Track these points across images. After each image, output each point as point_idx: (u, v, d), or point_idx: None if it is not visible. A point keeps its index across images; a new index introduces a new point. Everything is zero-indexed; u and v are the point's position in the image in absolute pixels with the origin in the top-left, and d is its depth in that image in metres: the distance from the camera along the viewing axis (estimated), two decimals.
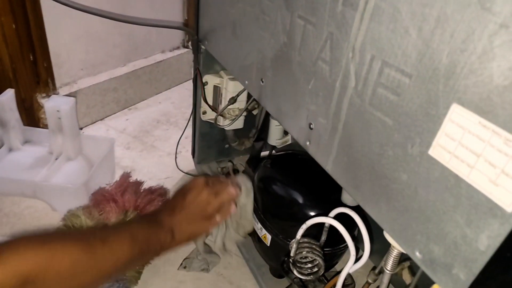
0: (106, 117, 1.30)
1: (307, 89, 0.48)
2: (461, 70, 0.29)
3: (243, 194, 0.65)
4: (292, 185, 0.65)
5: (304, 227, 0.51)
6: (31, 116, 1.09)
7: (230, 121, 0.89)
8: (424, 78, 0.32)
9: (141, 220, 0.51)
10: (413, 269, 0.48)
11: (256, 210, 0.70)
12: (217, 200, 0.57)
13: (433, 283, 0.35)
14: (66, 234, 0.45)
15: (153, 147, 1.17)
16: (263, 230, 0.67)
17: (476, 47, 0.28)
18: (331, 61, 0.43)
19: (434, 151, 0.32)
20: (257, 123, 0.97)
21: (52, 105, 0.90)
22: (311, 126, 0.49)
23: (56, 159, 0.95)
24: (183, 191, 0.57)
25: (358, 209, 0.51)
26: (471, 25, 0.28)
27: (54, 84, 1.11)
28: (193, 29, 0.84)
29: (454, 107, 0.30)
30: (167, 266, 0.80)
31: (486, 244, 0.29)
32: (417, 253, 0.36)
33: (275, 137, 0.91)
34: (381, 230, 0.41)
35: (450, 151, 0.31)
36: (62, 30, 1.09)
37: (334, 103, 0.43)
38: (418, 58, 0.33)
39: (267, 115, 0.90)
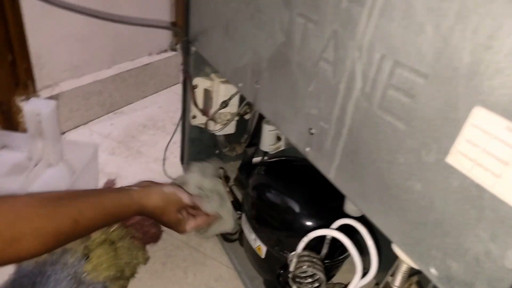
0: (90, 121, 1.24)
1: (308, 91, 0.45)
2: (485, 70, 0.27)
3: (217, 204, 0.73)
4: (288, 194, 0.61)
5: (305, 240, 0.48)
6: (9, 119, 1.03)
7: (221, 126, 0.85)
8: (442, 79, 0.30)
9: (116, 194, 0.54)
10: (422, 284, 0.45)
11: (250, 220, 0.66)
12: (192, 223, 0.67)
13: None
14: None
15: (139, 152, 1.13)
16: (258, 241, 0.64)
17: (503, 44, 0.25)
18: (334, 62, 0.40)
19: (453, 159, 0.30)
20: (249, 128, 0.94)
21: (32, 108, 0.85)
22: (312, 131, 0.45)
23: (36, 165, 0.90)
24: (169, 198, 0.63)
25: (361, 219, 0.48)
26: (498, 19, 0.25)
27: (34, 87, 1.06)
28: (182, 30, 0.80)
29: (477, 110, 0.27)
30: (155, 280, 0.75)
31: None
32: (432, 270, 0.33)
33: (268, 143, 0.87)
34: (384, 243, 0.38)
35: (472, 159, 0.28)
36: (44, 30, 1.04)
37: (338, 107, 0.40)
38: (435, 57, 0.30)
39: (260, 119, 0.87)
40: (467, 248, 0.30)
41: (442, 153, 0.30)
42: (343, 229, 0.50)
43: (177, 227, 0.66)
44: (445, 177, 0.30)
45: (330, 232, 0.47)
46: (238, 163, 0.97)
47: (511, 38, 0.25)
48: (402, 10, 0.32)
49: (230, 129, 0.88)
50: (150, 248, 0.80)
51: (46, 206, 0.42)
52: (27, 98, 1.03)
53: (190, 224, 0.66)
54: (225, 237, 0.82)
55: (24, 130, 1.02)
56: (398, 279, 0.40)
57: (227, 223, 0.75)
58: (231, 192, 0.91)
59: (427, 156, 0.32)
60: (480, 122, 0.27)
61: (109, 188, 0.51)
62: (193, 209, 0.70)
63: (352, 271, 0.47)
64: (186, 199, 0.66)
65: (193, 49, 0.79)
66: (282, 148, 0.89)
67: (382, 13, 0.34)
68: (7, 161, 0.93)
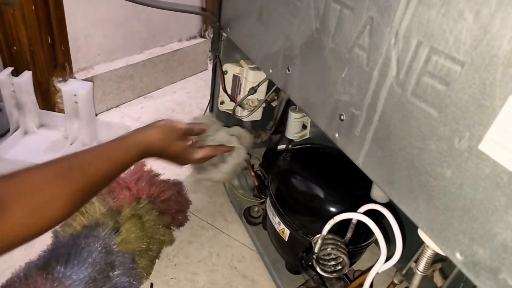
0: (121, 104, 1.29)
1: (340, 77, 0.45)
2: None
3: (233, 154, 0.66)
4: (313, 179, 0.63)
5: (331, 222, 0.49)
6: (47, 99, 1.09)
7: (249, 112, 0.87)
8: (479, 66, 0.30)
9: (118, 143, 0.52)
10: (445, 271, 0.45)
11: (274, 204, 0.68)
12: (200, 153, 0.61)
13: (469, 287, 0.33)
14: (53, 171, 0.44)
15: None
16: (281, 224, 0.66)
17: None
18: (369, 48, 0.40)
19: (486, 146, 0.30)
20: (275, 115, 0.95)
21: (70, 89, 0.89)
22: (342, 117, 0.46)
23: (71, 144, 0.95)
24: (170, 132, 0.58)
25: (387, 206, 0.49)
26: None
27: (71, 69, 1.11)
28: (215, 16, 0.82)
29: None
30: (181, 257, 0.79)
31: None
32: (458, 255, 0.34)
33: (293, 131, 0.88)
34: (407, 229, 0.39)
35: (505, 147, 0.29)
36: (81, 14, 1.08)
37: (370, 93, 0.41)
38: (474, 45, 0.30)
39: (286, 107, 0.88)
40: (494, 234, 0.30)
41: (474, 140, 0.31)
42: (369, 215, 0.50)
43: (185, 156, 0.61)
44: (476, 164, 0.31)
45: (357, 216, 0.48)
46: (263, 150, 0.99)
47: None
48: None
49: (257, 115, 0.90)
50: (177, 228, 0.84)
51: (60, 172, 0.43)
52: (64, 80, 1.08)
53: (198, 153, 0.62)
54: (249, 220, 0.84)
55: (61, 110, 1.08)
56: (422, 265, 0.41)
57: (241, 153, 0.68)
58: (256, 176, 0.93)
59: (459, 143, 0.32)
60: None
61: (108, 141, 0.51)
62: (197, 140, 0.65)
63: (372, 260, 0.48)
64: (183, 124, 0.60)
65: (224, 35, 0.81)
66: (307, 136, 0.90)
67: (421, 0, 0.34)
68: (45, 139, 0.99)
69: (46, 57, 1.03)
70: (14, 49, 0.97)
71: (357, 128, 0.44)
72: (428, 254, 0.40)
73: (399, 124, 0.38)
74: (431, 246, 0.38)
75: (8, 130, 0.98)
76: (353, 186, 0.59)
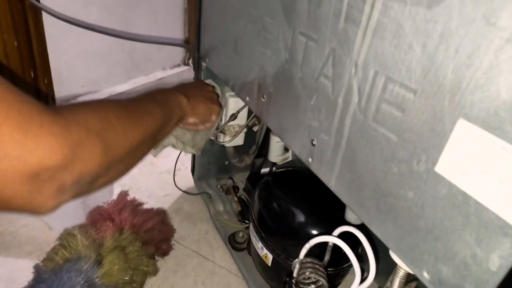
0: None
1: (309, 105, 0.48)
2: (467, 86, 0.29)
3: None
4: (294, 203, 0.64)
5: (307, 246, 0.50)
6: None
7: (231, 138, 0.88)
8: (429, 94, 0.32)
9: (160, 97, 0.55)
10: None
11: (256, 229, 0.68)
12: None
13: None
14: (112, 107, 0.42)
15: (152, 164, 1.16)
16: (264, 249, 0.66)
17: (482, 62, 0.28)
18: (333, 77, 0.43)
19: (441, 168, 0.32)
20: (257, 140, 0.97)
21: None
22: (313, 142, 0.48)
23: None
24: (192, 83, 0.66)
25: (361, 227, 0.50)
26: (477, 40, 0.28)
27: (54, 101, 1.11)
28: (194, 47, 0.85)
29: (461, 122, 0.30)
30: (166, 287, 0.78)
31: (498, 264, 0.28)
32: (425, 274, 0.35)
33: (275, 154, 0.90)
34: (385, 250, 0.40)
35: (457, 168, 0.30)
36: (64, 47, 1.10)
37: (337, 119, 0.43)
38: (423, 74, 0.32)
39: (268, 131, 0.90)
40: (455, 252, 0.32)
41: (431, 163, 0.33)
42: (346, 236, 0.51)
43: (211, 113, 0.67)
44: (434, 185, 0.33)
45: (329, 239, 0.49)
46: (247, 174, 1.00)
47: (488, 57, 0.27)
48: (393, 30, 0.34)
49: (239, 140, 0.91)
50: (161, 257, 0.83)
51: (134, 116, 0.43)
52: None
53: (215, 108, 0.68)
54: (234, 246, 0.84)
55: None
56: (396, 284, 0.42)
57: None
58: (240, 201, 0.94)
59: (417, 166, 0.34)
60: (463, 134, 0.30)
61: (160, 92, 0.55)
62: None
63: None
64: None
65: (204, 64, 0.83)
66: (290, 158, 0.92)
67: (375, 33, 0.36)
68: None
69: (29, 90, 1.04)
70: None
71: (328, 152, 0.45)
72: (401, 274, 0.41)
73: (364, 148, 0.40)
74: (402, 266, 0.39)
75: None
76: (331, 209, 0.60)
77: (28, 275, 0.71)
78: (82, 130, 0.34)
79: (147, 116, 0.46)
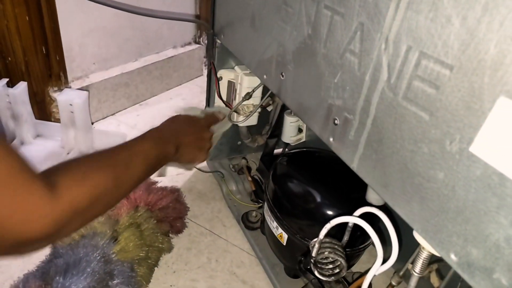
0: (117, 112, 1.29)
1: (333, 83, 0.46)
2: (511, 61, 0.27)
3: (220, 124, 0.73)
4: (310, 183, 0.63)
5: (328, 226, 0.49)
6: (43, 110, 1.09)
7: (244, 117, 0.87)
8: (467, 70, 0.30)
9: (150, 138, 0.54)
10: (441, 272, 0.46)
11: (271, 209, 0.68)
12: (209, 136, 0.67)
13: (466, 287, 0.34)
14: (97, 161, 0.44)
15: None
16: (279, 229, 0.66)
17: None
18: (360, 53, 0.41)
19: (477, 148, 0.30)
20: (271, 120, 0.96)
21: (65, 99, 0.90)
22: (336, 121, 0.47)
23: (68, 153, 0.95)
24: (187, 120, 0.65)
25: (383, 208, 0.49)
26: None
27: (66, 78, 1.11)
28: (208, 23, 0.82)
29: (502, 100, 0.28)
30: (180, 264, 0.79)
31: None
32: (453, 256, 0.34)
33: (289, 134, 0.89)
34: (404, 231, 0.39)
35: (495, 148, 0.29)
36: (75, 23, 1.08)
37: (363, 98, 0.41)
38: (461, 49, 0.31)
39: (282, 111, 0.88)
40: (487, 234, 0.31)
41: (465, 143, 0.31)
42: (365, 217, 0.51)
43: (194, 161, 0.65)
44: (467, 166, 0.31)
45: (352, 219, 0.48)
46: (258, 154, 0.99)
47: None
48: (429, 3, 0.33)
49: (253, 120, 0.90)
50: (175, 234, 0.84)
51: (106, 163, 0.43)
52: (60, 89, 1.08)
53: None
54: (247, 225, 0.85)
55: (57, 120, 1.08)
56: (418, 266, 0.41)
57: (226, 121, 0.76)
58: (253, 181, 0.94)
59: (450, 146, 0.33)
60: (504, 112, 0.28)
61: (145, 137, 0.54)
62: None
63: (371, 261, 0.48)
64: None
65: (218, 41, 0.81)
66: (303, 139, 0.91)
67: (409, 6, 0.34)
68: (42, 149, 0.98)
69: (41, 67, 1.03)
70: (9, 60, 0.97)
71: (351, 132, 0.44)
72: (424, 255, 0.41)
73: (392, 128, 0.38)
74: (427, 247, 0.38)
75: None
76: (350, 189, 0.60)
77: (44, 250, 0.72)
78: (70, 210, 0.35)
79: (134, 180, 0.47)
